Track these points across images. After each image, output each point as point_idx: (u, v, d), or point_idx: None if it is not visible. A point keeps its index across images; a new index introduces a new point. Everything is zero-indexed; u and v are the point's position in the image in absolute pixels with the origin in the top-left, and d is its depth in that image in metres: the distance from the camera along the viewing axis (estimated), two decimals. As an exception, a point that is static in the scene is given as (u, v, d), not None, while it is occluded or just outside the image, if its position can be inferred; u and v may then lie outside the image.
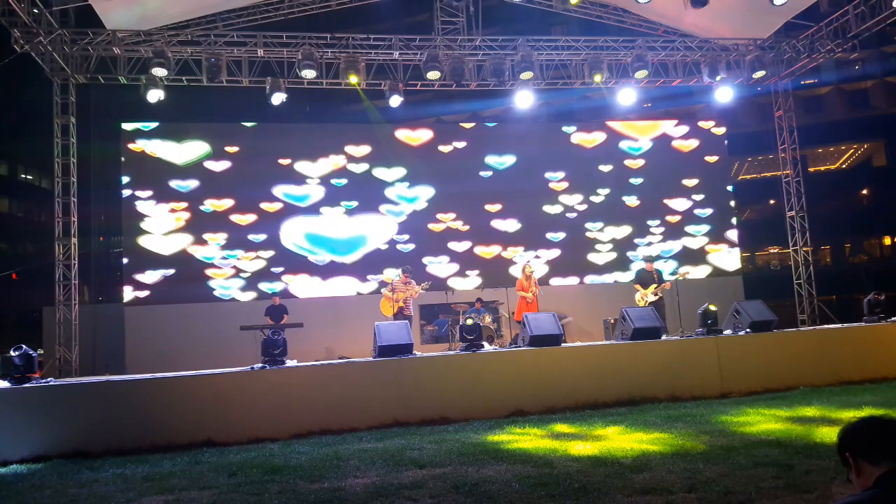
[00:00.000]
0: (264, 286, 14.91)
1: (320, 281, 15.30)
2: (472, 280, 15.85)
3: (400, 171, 15.93)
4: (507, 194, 16.18)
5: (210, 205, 14.93)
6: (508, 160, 16.44)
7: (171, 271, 14.56)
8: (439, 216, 15.93)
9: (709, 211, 17.07)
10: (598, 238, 16.54)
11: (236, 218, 15.02)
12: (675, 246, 16.81)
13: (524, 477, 4.89)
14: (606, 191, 16.68)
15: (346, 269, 15.46)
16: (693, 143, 17.39)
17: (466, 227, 15.99)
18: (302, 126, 17.04)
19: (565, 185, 16.54)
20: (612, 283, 16.20)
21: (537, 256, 16.09)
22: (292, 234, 15.33)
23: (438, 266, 15.80)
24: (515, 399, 8.19)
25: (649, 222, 16.73)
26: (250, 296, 14.82)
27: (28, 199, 33.88)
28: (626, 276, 15.94)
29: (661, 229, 16.80)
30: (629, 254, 16.55)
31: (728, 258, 17.09)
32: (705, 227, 17.03)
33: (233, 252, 14.89)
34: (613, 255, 16.51)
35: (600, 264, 16.46)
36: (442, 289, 14.07)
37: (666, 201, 16.88)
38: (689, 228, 16.93)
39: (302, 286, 15.20)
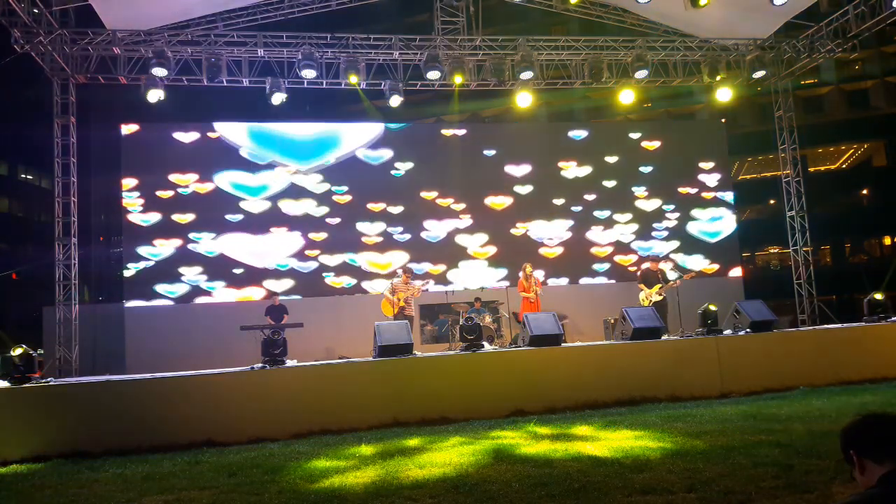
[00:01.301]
0: (202, 248, 14.71)
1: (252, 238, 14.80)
2: (480, 237, 15.98)
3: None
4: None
5: (178, 180, 14.88)
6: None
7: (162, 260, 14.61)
8: (439, 202, 16.00)
9: (730, 194, 17.51)
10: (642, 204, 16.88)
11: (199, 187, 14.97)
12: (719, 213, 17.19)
13: (524, 477, 4.88)
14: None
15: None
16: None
17: (467, 215, 16.04)
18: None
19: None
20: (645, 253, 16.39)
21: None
22: (231, 132, 14.54)
23: (437, 225, 15.83)
24: (515, 399, 8.18)
25: (664, 207, 16.98)
26: (197, 270, 14.71)
27: (28, 199, 33.90)
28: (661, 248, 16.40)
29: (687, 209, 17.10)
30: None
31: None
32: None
33: (199, 235, 14.80)
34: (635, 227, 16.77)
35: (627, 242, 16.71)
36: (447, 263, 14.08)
37: (679, 189, 17.12)
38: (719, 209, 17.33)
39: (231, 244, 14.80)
